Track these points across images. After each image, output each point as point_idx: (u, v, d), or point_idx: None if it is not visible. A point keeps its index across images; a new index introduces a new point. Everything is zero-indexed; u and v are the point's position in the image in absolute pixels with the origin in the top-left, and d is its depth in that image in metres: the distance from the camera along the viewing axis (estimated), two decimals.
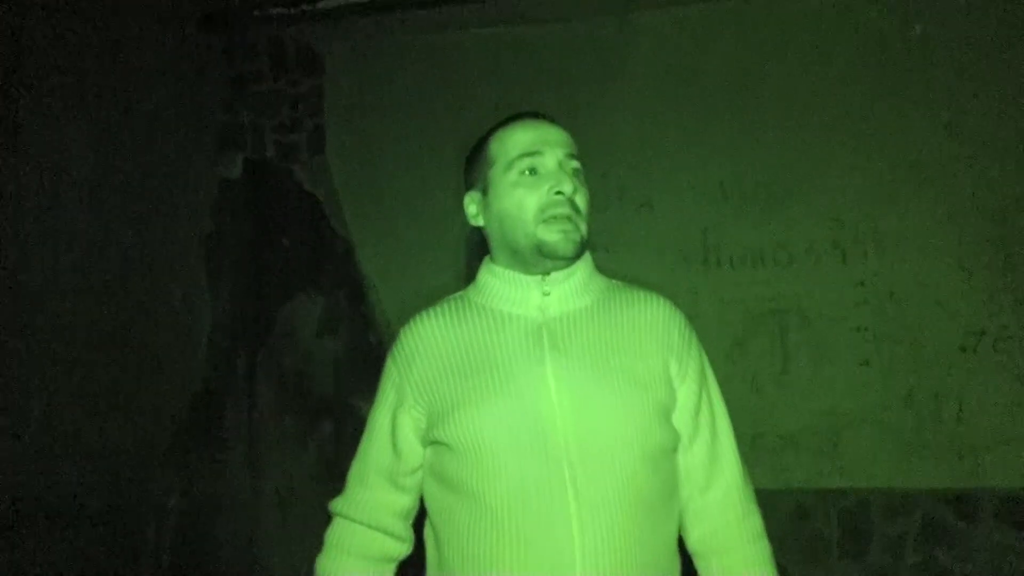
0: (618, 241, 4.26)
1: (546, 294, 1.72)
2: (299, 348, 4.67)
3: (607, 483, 1.57)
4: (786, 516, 4.04)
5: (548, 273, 1.72)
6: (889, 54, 4.16)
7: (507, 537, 1.56)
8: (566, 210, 1.65)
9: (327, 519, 1.87)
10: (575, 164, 1.72)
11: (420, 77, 4.65)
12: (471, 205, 1.82)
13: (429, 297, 1.90)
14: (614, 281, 1.84)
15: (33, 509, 3.38)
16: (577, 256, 1.70)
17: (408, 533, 1.82)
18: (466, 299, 1.82)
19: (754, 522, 1.77)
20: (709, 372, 1.82)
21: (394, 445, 1.76)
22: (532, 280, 1.72)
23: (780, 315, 4.16)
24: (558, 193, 1.66)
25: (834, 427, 4.06)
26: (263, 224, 4.76)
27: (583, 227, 1.69)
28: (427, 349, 1.75)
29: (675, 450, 1.72)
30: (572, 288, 1.74)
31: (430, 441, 1.71)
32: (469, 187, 1.84)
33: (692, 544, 1.77)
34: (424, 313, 1.83)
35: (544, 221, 1.65)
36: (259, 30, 4.68)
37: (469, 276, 1.90)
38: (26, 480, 3.36)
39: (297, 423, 4.62)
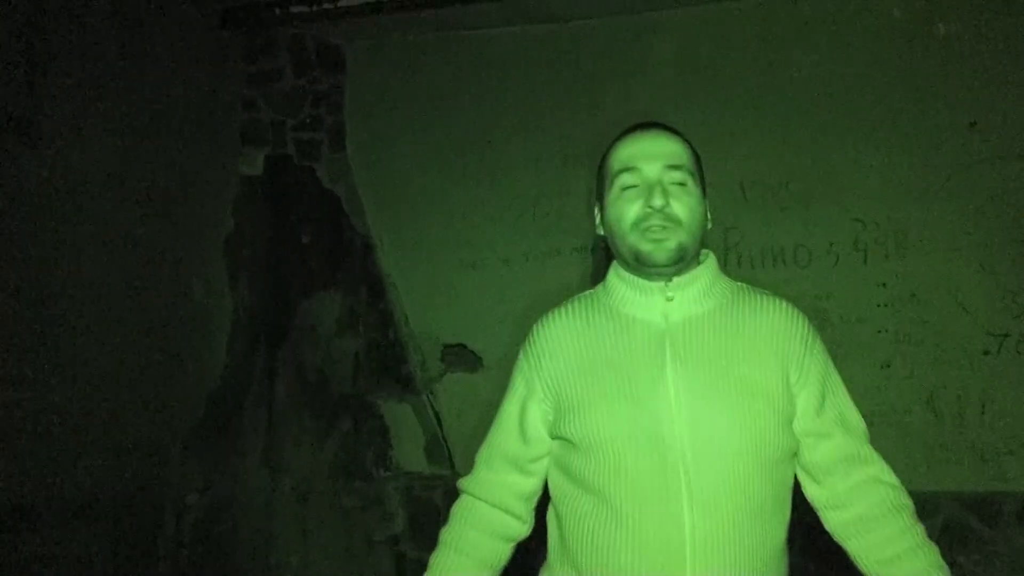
0: None
1: (669, 299, 1.78)
2: (318, 345, 4.69)
3: (720, 489, 1.65)
4: (804, 519, 4.02)
5: (671, 279, 1.78)
6: (912, 53, 4.13)
7: (625, 531, 1.66)
8: (657, 222, 1.72)
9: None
10: (676, 175, 1.77)
11: (440, 75, 4.66)
12: (597, 215, 1.90)
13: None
14: (739, 283, 1.92)
15: (52, 504, 3.40)
16: (674, 263, 1.75)
17: (529, 515, 1.91)
18: (594, 299, 1.89)
19: (907, 501, 1.83)
20: (833, 370, 1.86)
21: (522, 433, 1.86)
22: (656, 286, 1.79)
23: None
24: (649, 207, 1.72)
25: None
26: (284, 221, 4.78)
27: (682, 235, 1.74)
28: (557, 347, 1.83)
29: (792, 457, 1.79)
30: (695, 293, 1.80)
31: (556, 435, 1.81)
32: (598, 197, 1.91)
33: (844, 520, 1.81)
34: (556, 311, 1.91)
35: (640, 232, 1.74)
36: (280, 27, 4.69)
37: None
38: (45, 475, 3.38)
39: (316, 420, 4.63)
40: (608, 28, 4.46)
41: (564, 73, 4.49)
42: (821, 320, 4.11)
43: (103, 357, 3.70)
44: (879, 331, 4.07)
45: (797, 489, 1.86)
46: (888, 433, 4.00)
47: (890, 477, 1.83)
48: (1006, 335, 3.95)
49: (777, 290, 4.18)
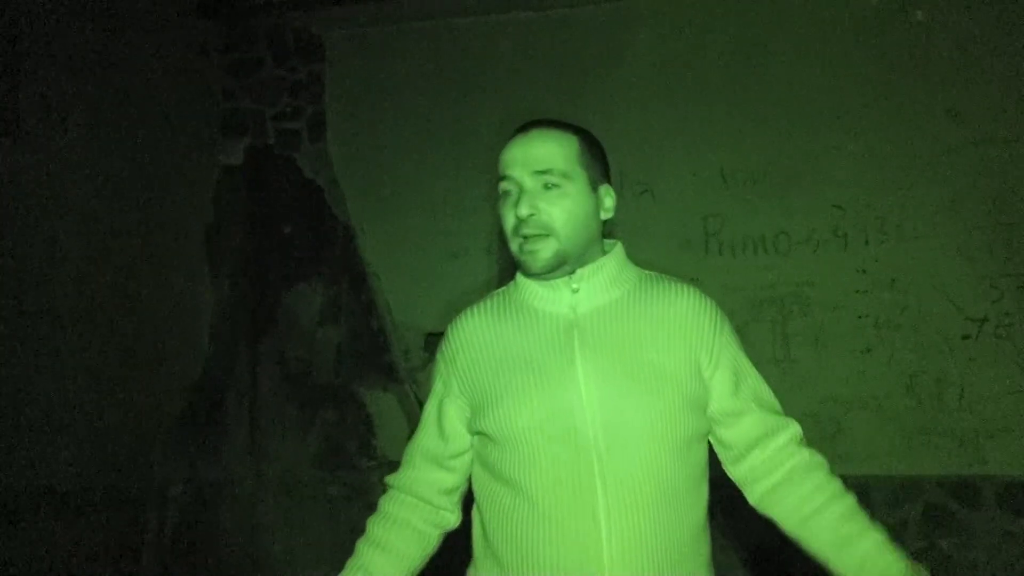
0: (618, 228, 4.23)
1: (575, 291, 1.80)
2: (301, 335, 4.68)
3: (633, 474, 1.68)
4: None
5: (573, 271, 1.79)
6: (890, 40, 4.15)
7: (543, 523, 1.69)
8: (528, 231, 1.74)
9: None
10: (544, 179, 1.76)
11: (420, 64, 4.65)
12: None
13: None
14: (647, 272, 1.91)
15: (36, 496, 3.39)
16: (551, 270, 1.76)
17: (454, 507, 1.94)
18: (506, 296, 1.91)
19: (820, 459, 1.87)
20: (742, 351, 1.89)
21: (441, 431, 1.89)
22: (560, 280, 1.80)
23: (781, 302, 4.16)
24: (517, 217, 1.75)
25: (835, 414, 4.07)
26: (264, 211, 4.76)
27: (556, 242, 1.74)
28: (469, 344, 1.86)
29: (703, 439, 1.83)
30: (601, 283, 1.81)
31: (474, 430, 1.84)
32: None
33: (765, 491, 1.85)
34: (469, 310, 1.92)
35: (517, 241, 1.77)
36: (259, 17, 4.67)
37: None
38: (29, 467, 3.37)
39: (299, 410, 4.63)
40: (588, 16, 4.46)
41: (545, 62, 4.49)
42: (802, 306, 4.14)
43: (85, 349, 3.68)
44: (859, 317, 4.09)
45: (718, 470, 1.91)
46: (868, 418, 4.03)
47: (802, 441, 1.88)
48: (984, 319, 3.98)
49: (758, 277, 4.25)
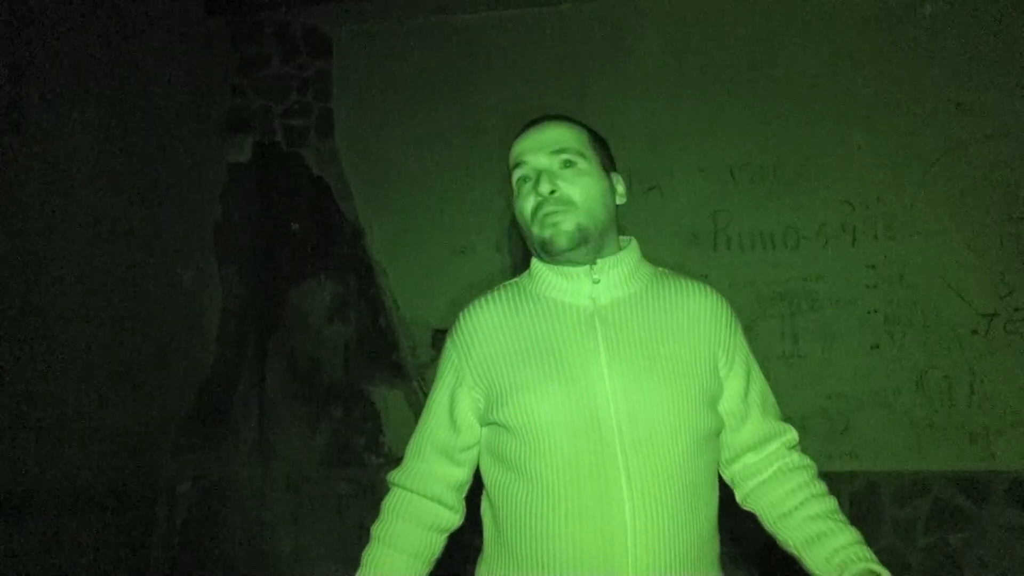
0: (627, 224, 4.21)
1: (596, 282, 1.80)
2: (309, 332, 4.68)
3: (657, 465, 1.67)
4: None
5: (595, 261, 1.80)
6: (899, 34, 4.13)
7: (563, 513, 1.66)
8: (550, 208, 1.75)
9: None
10: (562, 157, 1.80)
11: (428, 60, 4.64)
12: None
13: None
14: (660, 268, 1.92)
15: (44, 494, 3.40)
16: (576, 245, 1.76)
17: (460, 505, 1.90)
18: (520, 287, 1.90)
19: (809, 463, 1.88)
20: (751, 352, 1.91)
21: (452, 422, 1.86)
22: (581, 270, 1.80)
23: (790, 298, 4.15)
24: (539, 195, 1.76)
25: (844, 410, 4.06)
26: (272, 209, 4.76)
27: (579, 216, 1.76)
28: (486, 334, 1.83)
29: (718, 435, 1.83)
30: (621, 275, 1.82)
31: (488, 421, 1.81)
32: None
33: (751, 488, 1.87)
34: (482, 299, 1.91)
35: (539, 221, 1.77)
36: (266, 13, 4.67)
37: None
38: (37, 465, 3.38)
39: (307, 407, 4.63)
40: (596, 12, 4.45)
41: (552, 57, 4.48)
42: (811, 302, 4.13)
43: (93, 347, 3.68)
44: (868, 312, 4.08)
45: None
46: (877, 414, 4.03)
47: (795, 447, 1.89)
48: (994, 315, 3.97)
49: (767, 272, 4.24)
